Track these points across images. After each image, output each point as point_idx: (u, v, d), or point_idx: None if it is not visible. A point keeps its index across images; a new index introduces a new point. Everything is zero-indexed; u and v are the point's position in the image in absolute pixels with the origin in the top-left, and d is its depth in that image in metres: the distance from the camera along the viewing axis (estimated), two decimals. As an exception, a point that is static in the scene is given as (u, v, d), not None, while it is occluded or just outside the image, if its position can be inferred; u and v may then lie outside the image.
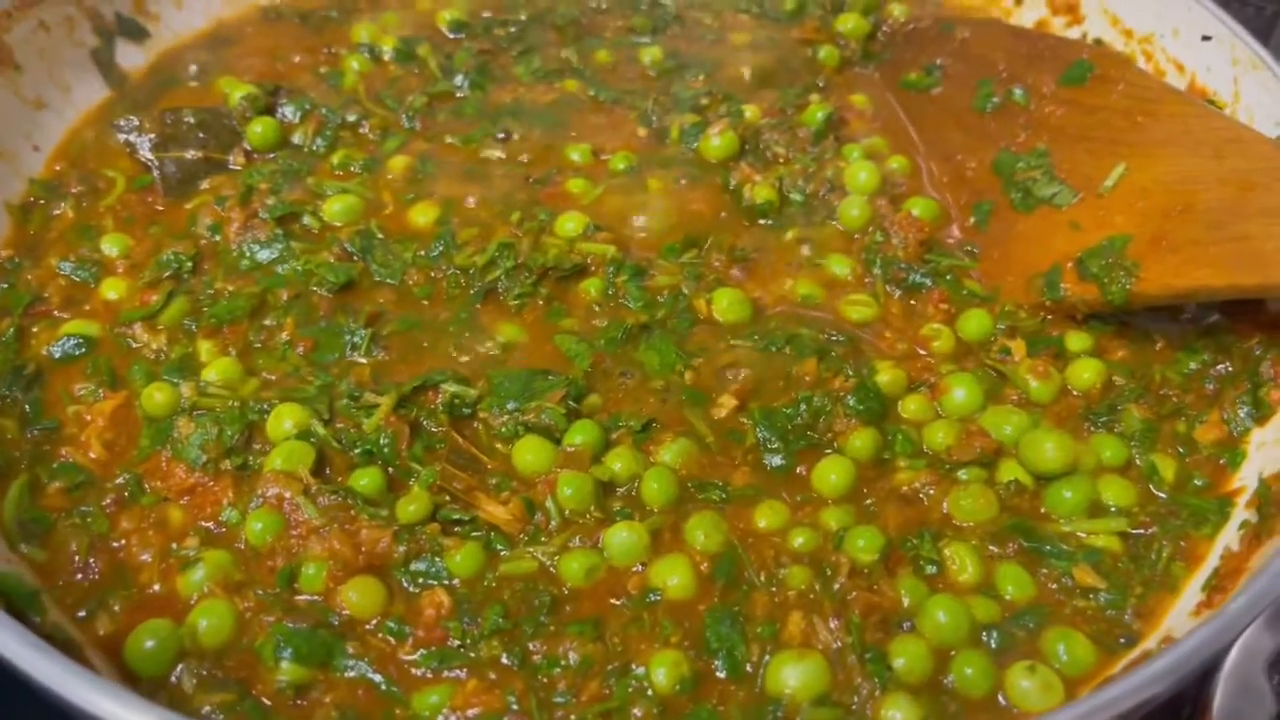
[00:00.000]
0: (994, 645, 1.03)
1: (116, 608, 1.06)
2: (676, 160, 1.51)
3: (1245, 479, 1.16)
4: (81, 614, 1.05)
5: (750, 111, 1.57)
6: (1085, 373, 1.25)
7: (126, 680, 1.00)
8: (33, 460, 1.17)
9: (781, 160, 1.51)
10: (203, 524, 1.11)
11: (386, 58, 1.69)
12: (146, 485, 1.14)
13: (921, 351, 1.29)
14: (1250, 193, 1.21)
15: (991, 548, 1.11)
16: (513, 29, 1.75)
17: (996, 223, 1.43)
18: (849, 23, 1.74)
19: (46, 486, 1.15)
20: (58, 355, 1.27)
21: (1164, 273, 1.23)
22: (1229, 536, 1.10)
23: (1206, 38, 1.44)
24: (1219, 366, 1.27)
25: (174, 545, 1.10)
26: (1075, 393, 1.25)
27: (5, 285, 1.34)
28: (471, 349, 1.27)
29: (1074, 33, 1.65)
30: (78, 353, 1.27)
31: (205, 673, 1.01)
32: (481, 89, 1.64)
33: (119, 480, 1.15)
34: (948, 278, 1.36)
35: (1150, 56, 1.54)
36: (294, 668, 1.00)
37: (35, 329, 1.30)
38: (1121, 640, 1.04)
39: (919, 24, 1.74)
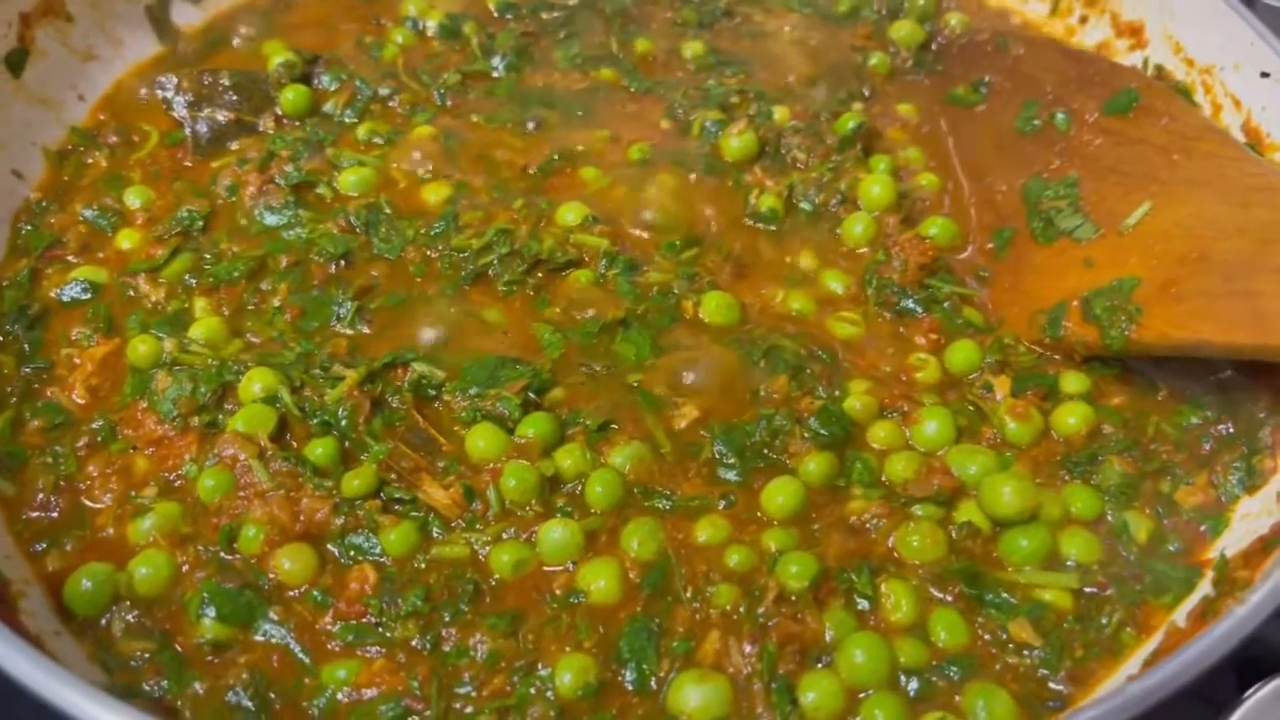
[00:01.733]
0: (912, 692, 1.00)
1: (68, 547, 1.10)
2: (692, 157, 1.49)
3: (1223, 549, 1.09)
4: (37, 548, 1.10)
5: (780, 113, 1.54)
6: (1071, 417, 1.20)
7: (61, 617, 1.05)
8: (22, 397, 1.23)
9: (800, 166, 1.47)
10: (164, 476, 1.15)
11: (430, 33, 1.70)
12: (119, 433, 1.19)
13: (904, 378, 1.24)
14: (1269, 246, 1.13)
15: (932, 590, 1.07)
16: (559, 14, 1.74)
17: (1014, 251, 1.38)
18: (902, 30, 1.68)
19: (28, 423, 1.20)
20: (64, 299, 1.33)
21: (1166, 322, 1.16)
22: (1188, 609, 1.04)
23: (1265, 74, 1.35)
24: (1220, 426, 1.20)
25: (133, 493, 1.14)
26: (1057, 437, 1.20)
27: (29, 227, 1.40)
28: (449, 330, 1.28)
29: (1136, 57, 1.56)
30: (83, 297, 1.33)
31: (134, 620, 1.04)
32: (517, 71, 1.64)
33: (95, 425, 1.19)
34: (945, 305, 1.31)
35: (1210, 89, 1.45)
36: (216, 625, 1.03)
37: (49, 271, 1.35)
38: (1050, 704, 0.99)
39: (975, 37, 1.67)
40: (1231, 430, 1.19)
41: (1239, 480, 1.14)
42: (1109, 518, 1.13)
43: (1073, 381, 1.24)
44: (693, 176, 1.46)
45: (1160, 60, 1.53)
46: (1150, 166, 1.32)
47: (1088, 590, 1.07)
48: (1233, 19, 1.40)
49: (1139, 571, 1.09)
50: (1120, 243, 1.27)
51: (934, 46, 1.70)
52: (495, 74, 1.64)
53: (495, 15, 1.74)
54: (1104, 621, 1.05)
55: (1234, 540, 1.09)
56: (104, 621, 1.04)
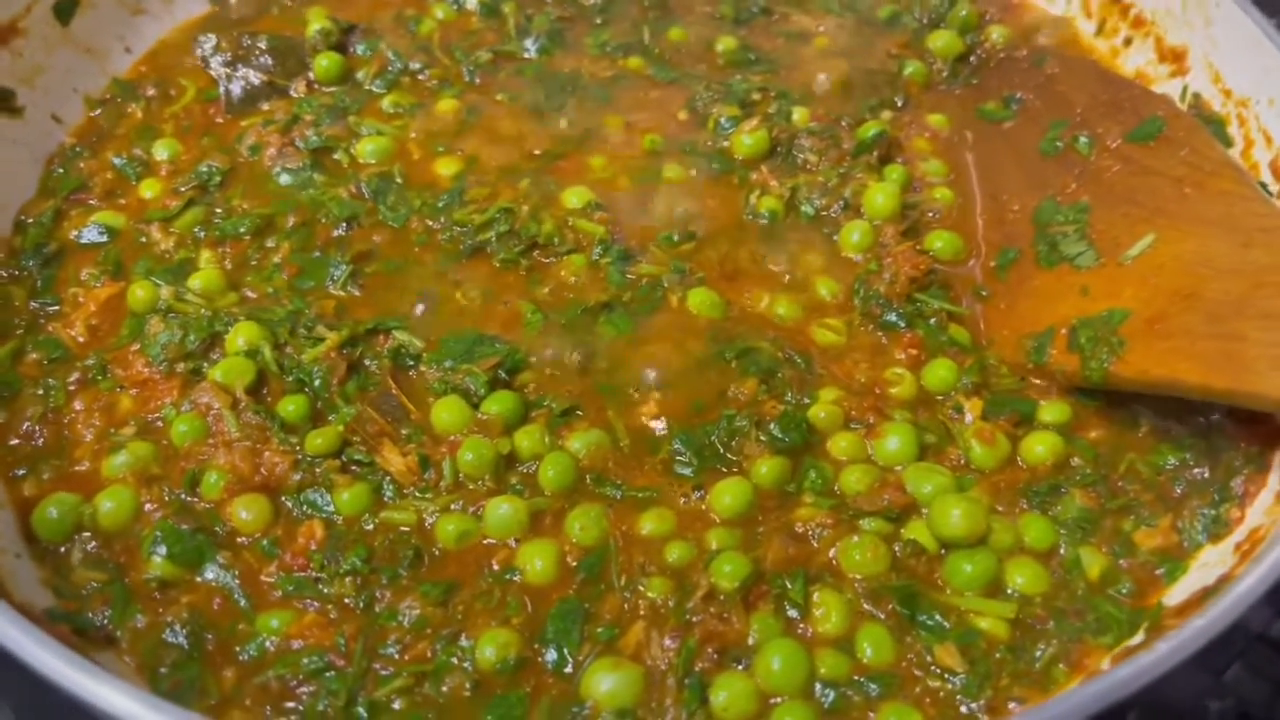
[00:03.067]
0: (826, 704, 0.99)
1: (46, 475, 1.16)
2: (702, 151, 1.49)
3: (1177, 597, 1.06)
4: (17, 473, 1.16)
5: (799, 114, 1.53)
6: (1039, 445, 1.17)
7: (27, 540, 1.10)
8: (28, 329, 1.29)
9: (810, 169, 1.46)
10: (144, 417, 1.20)
11: (471, 9, 1.73)
12: (110, 372, 1.24)
13: (878, 391, 1.23)
14: (1259, 291, 1.10)
15: (866, 605, 1.06)
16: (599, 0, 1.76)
17: (1015, 272, 1.35)
18: (941, 40, 1.65)
19: (27, 355, 1.26)
20: (82, 240, 1.39)
21: (1146, 358, 1.13)
22: (1117, 652, 1.01)
23: (1299, 111, 1.30)
24: (1197, 470, 1.16)
25: (113, 430, 1.19)
26: (1024, 465, 1.17)
27: (60, 170, 1.47)
28: (437, 300, 1.31)
29: (1176, 84, 1.51)
30: (99, 240, 1.39)
31: (92, 550, 1.10)
32: (548, 54, 1.66)
33: (89, 362, 1.25)
34: (931, 321, 1.29)
35: (1244, 121, 1.40)
36: (165, 564, 1.07)
37: (73, 213, 1.42)
38: (963, 732, 0.98)
39: (1014, 53, 1.64)
40: (1206, 475, 1.15)
41: (1204, 528, 1.11)
42: (1062, 551, 1.10)
43: (1052, 410, 1.21)
44: (698, 171, 1.46)
45: (1199, 89, 1.48)
46: (1161, 199, 1.28)
47: (1028, 621, 1.05)
48: (1272, 53, 1.35)
49: (1083, 609, 1.06)
50: (1118, 273, 1.24)
51: (972, 60, 1.66)
52: (527, 55, 1.66)
53: (537, -4, 1.76)
54: (1037, 654, 1.03)
55: (1186, 588, 1.06)
56: (64, 549, 1.10)
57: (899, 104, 1.60)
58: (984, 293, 1.35)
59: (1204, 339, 1.10)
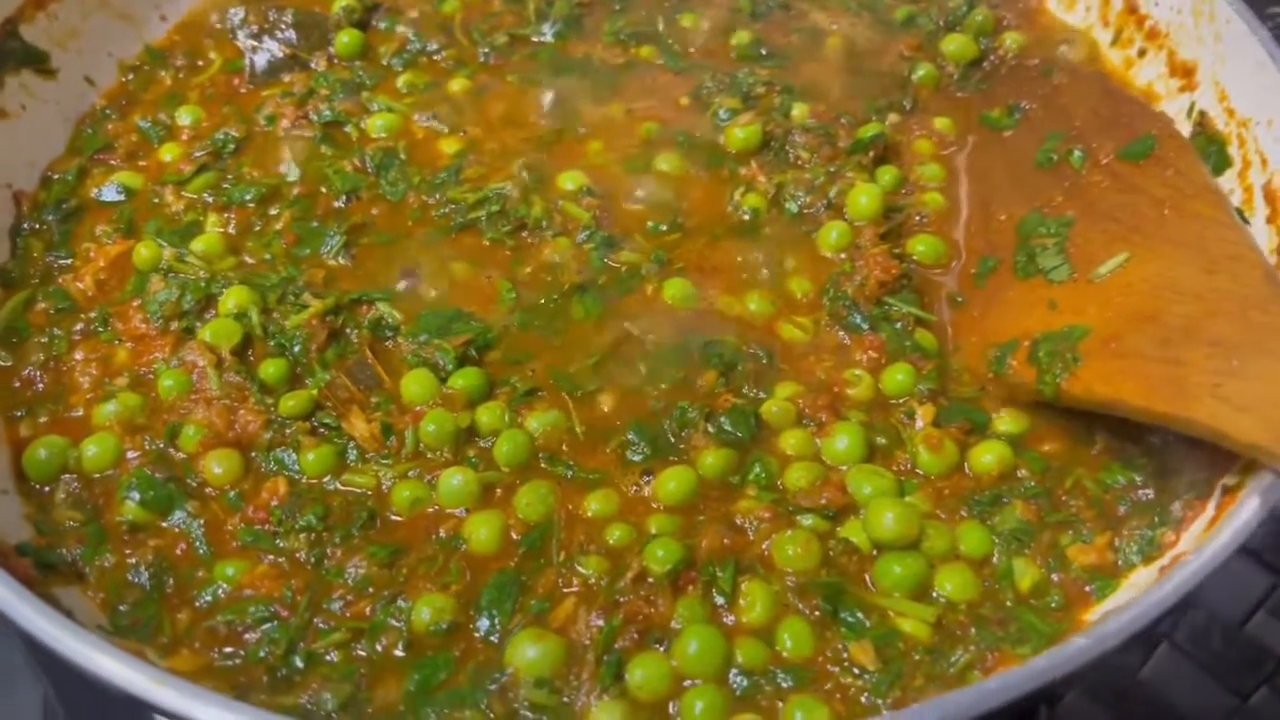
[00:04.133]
0: (738, 690, 1.03)
1: (42, 419, 1.24)
2: (699, 143, 1.52)
3: (1105, 614, 1.07)
4: (16, 414, 1.24)
5: (799, 110, 1.54)
6: (987, 455, 1.18)
7: (16, 478, 1.19)
8: (41, 280, 1.38)
9: (801, 165, 1.48)
10: (137, 370, 1.27)
11: (498, -13, 1.77)
12: (111, 325, 1.32)
13: (835, 390, 1.25)
14: (1211, 319, 1.10)
15: (792, 598, 1.09)
16: (623, -13, 1.78)
17: (994, 280, 1.36)
18: (955, 44, 1.65)
19: (37, 304, 1.35)
20: (102, 199, 1.47)
21: (1096, 376, 1.14)
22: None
23: (1292, 136, 1.28)
24: (1143, 491, 1.17)
25: (107, 380, 1.27)
26: (970, 473, 1.19)
27: (89, 130, 1.55)
28: (421, 272, 1.36)
29: (1184, 99, 1.49)
30: (117, 199, 1.46)
31: (75, 491, 1.17)
32: (564, 39, 1.69)
33: (92, 314, 1.33)
34: (897, 326, 1.30)
35: (1244, 142, 1.38)
36: (137, 509, 1.15)
37: (95, 171, 1.50)
38: (865, 727, 1.01)
39: (1025, 60, 1.63)
40: (1151, 497, 1.16)
41: (1139, 549, 1.11)
42: (995, 560, 1.12)
43: (1009, 421, 1.23)
44: (691, 162, 1.48)
45: (1205, 106, 1.46)
46: (1140, 218, 1.28)
47: (949, 626, 1.07)
48: (1274, 74, 1.33)
49: (1007, 619, 1.08)
50: (1087, 290, 1.24)
51: (985, 65, 1.66)
52: (543, 39, 1.70)
53: (559, -20, 1.79)
54: (954, 659, 1.05)
55: (1110, 606, 1.07)
56: (48, 489, 1.18)
57: (907, 106, 1.60)
58: (960, 299, 1.36)
59: (1153, 362, 1.10)
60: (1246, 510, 0.99)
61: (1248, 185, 1.36)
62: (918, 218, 1.45)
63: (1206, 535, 1.03)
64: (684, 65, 1.64)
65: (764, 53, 1.67)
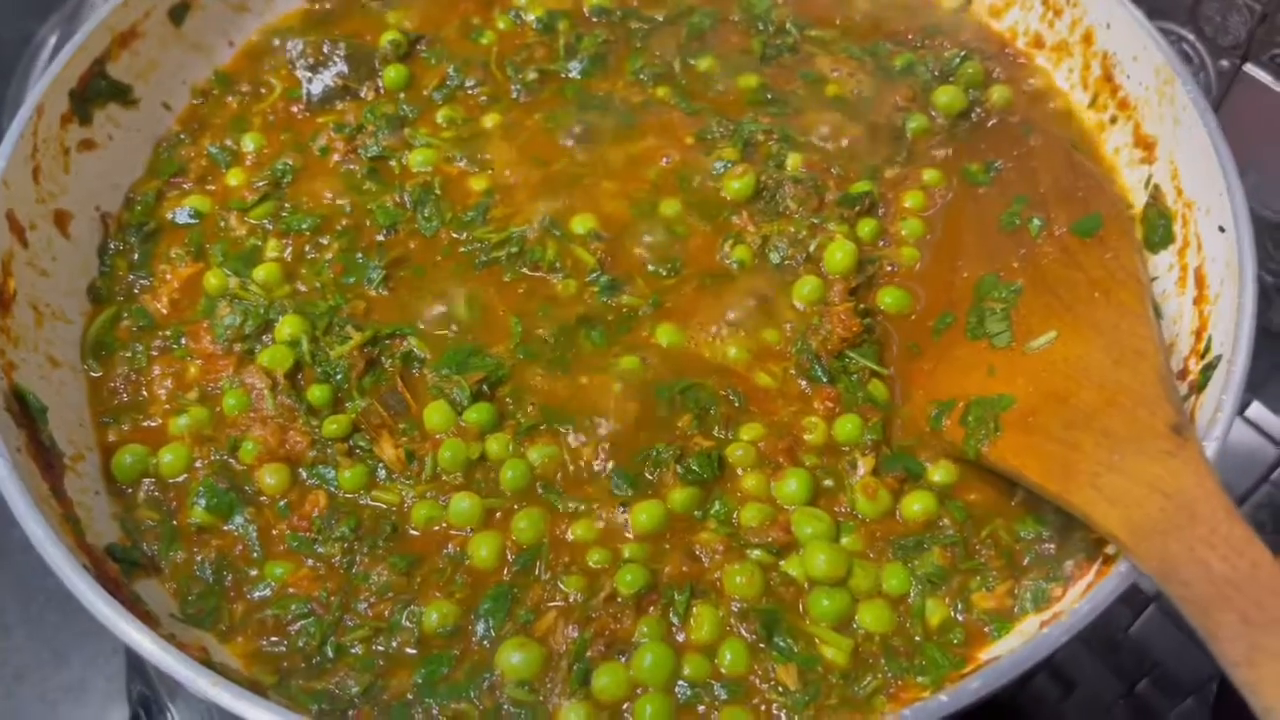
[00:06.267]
0: (682, 699, 1.25)
1: (125, 426, 1.48)
2: (701, 189, 1.68)
3: (997, 653, 1.28)
4: (104, 421, 1.49)
5: (792, 160, 1.70)
6: (917, 504, 1.37)
7: (106, 479, 1.43)
8: (126, 298, 1.61)
9: (789, 215, 1.64)
10: (205, 385, 1.51)
11: (529, 21, 1.93)
12: (184, 342, 1.55)
13: (794, 435, 1.44)
14: (1108, 410, 1.26)
15: (735, 621, 1.31)
16: (646, 25, 1.93)
17: (947, 337, 1.52)
18: (946, 96, 1.78)
19: (122, 321, 1.58)
20: (177, 221, 1.69)
21: (1009, 448, 1.32)
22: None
23: (1221, 229, 1.43)
24: (1048, 544, 1.35)
25: (180, 394, 1.50)
26: (901, 519, 1.38)
27: (166, 154, 1.76)
28: (450, 307, 1.56)
29: (1143, 171, 1.63)
30: (189, 222, 1.68)
31: (154, 494, 1.42)
32: (590, 76, 1.86)
33: (168, 332, 1.56)
34: (854, 377, 1.48)
35: (1187, 222, 1.52)
36: (203, 513, 1.38)
37: (170, 194, 1.72)
38: (780, 738, 1.24)
39: (1008, 117, 1.77)
40: (1053, 551, 1.34)
41: (1032, 599, 1.30)
42: (911, 599, 1.33)
43: (943, 471, 1.41)
44: (691, 209, 1.65)
45: (1160, 180, 1.59)
46: (1076, 297, 1.43)
47: (863, 655, 1.28)
48: (1214, 164, 1.46)
49: (913, 651, 1.29)
50: (1021, 361, 1.41)
51: (973, 116, 1.79)
52: (571, 74, 1.87)
53: (588, 16, 1.95)
54: (864, 684, 1.26)
55: (1004, 646, 1.27)
56: (131, 491, 1.42)
57: (902, 159, 1.73)
58: (915, 349, 1.53)
59: (1054, 442, 1.28)
60: (1108, 587, 1.17)
61: (1185, 264, 1.51)
62: (889, 267, 1.61)
63: (1082, 598, 1.22)
64: (696, 108, 1.80)
65: (769, 97, 1.82)
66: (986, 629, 1.31)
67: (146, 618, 1.21)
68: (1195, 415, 1.30)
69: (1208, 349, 1.38)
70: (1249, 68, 1.99)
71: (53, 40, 2.64)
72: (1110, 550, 1.27)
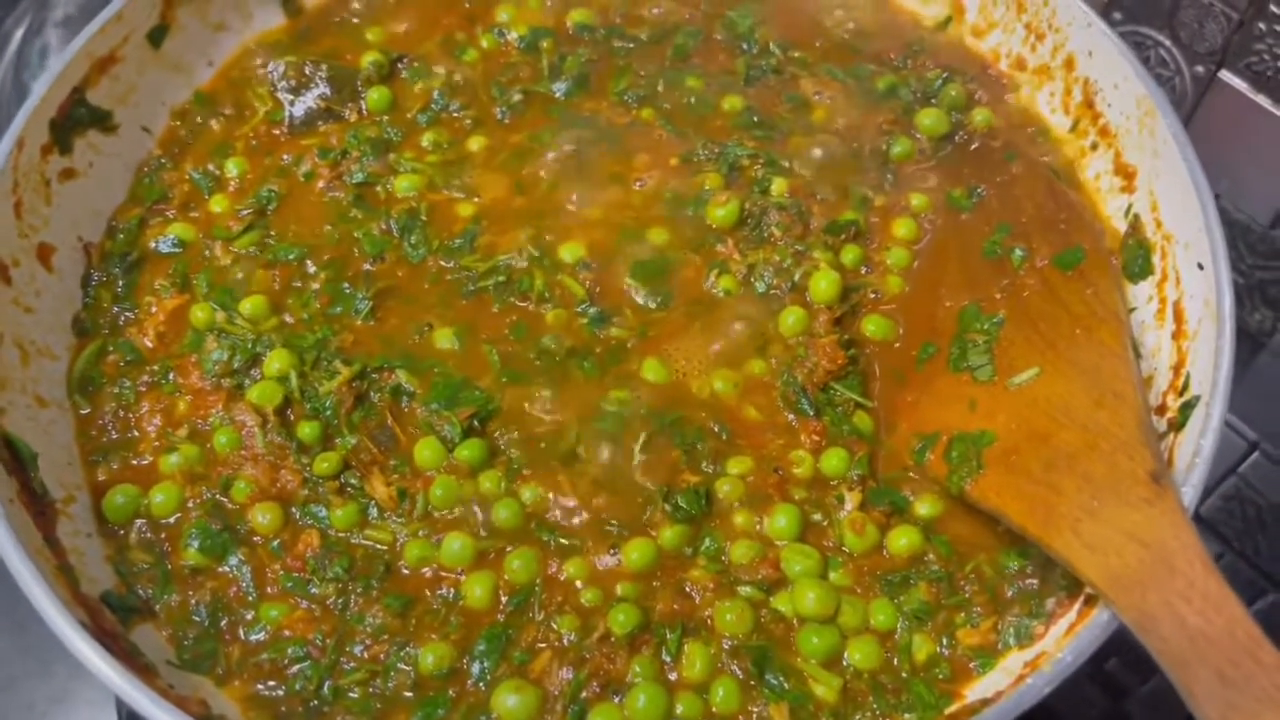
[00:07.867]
0: (676, 738, 1.28)
1: (115, 465, 1.48)
2: (687, 217, 1.68)
3: (982, 691, 1.31)
4: (94, 459, 1.49)
5: (777, 186, 1.71)
6: (903, 539, 1.40)
7: (98, 520, 1.43)
8: (111, 331, 1.60)
9: (775, 243, 1.65)
10: (196, 422, 1.51)
11: (513, 43, 1.92)
12: (172, 377, 1.54)
13: (782, 470, 1.46)
14: (1088, 453, 1.29)
15: (726, 659, 1.33)
16: (631, 44, 1.92)
17: (930, 367, 1.54)
18: (929, 119, 1.79)
19: (109, 355, 1.57)
20: (161, 250, 1.67)
21: (991, 486, 1.35)
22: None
23: (1200, 266, 1.45)
24: (1031, 580, 1.39)
25: (169, 430, 1.50)
26: (887, 554, 1.41)
27: (148, 179, 1.75)
28: (437, 336, 1.57)
29: (1123, 200, 1.65)
30: (173, 251, 1.67)
31: (146, 535, 1.42)
32: (574, 97, 1.86)
33: (155, 367, 1.55)
34: (839, 409, 1.51)
35: (1166, 255, 1.55)
36: (196, 554, 1.39)
37: (154, 221, 1.70)
38: (772, 777, 1.27)
39: (990, 142, 1.78)
40: (1036, 586, 1.38)
41: (1015, 635, 1.34)
42: (899, 635, 1.36)
43: (927, 505, 1.44)
44: (677, 238, 1.66)
45: (1140, 211, 1.62)
46: (1058, 333, 1.46)
47: (852, 691, 1.31)
48: (1194, 199, 1.48)
49: (900, 687, 1.32)
50: (1002, 397, 1.44)
51: (956, 139, 1.81)
52: (557, 95, 1.86)
53: (571, 34, 1.94)
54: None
55: (989, 684, 1.31)
56: (123, 532, 1.43)
57: (887, 183, 1.74)
58: (900, 377, 1.55)
59: (1035, 483, 1.31)
60: (1089, 635, 1.21)
61: (1164, 296, 1.53)
62: (873, 295, 1.63)
63: (1066, 639, 1.26)
64: (680, 131, 1.80)
65: (755, 120, 1.82)
66: (971, 664, 1.34)
67: (145, 671, 1.22)
68: (1174, 456, 1.33)
69: (1186, 386, 1.41)
70: (1224, 74, 2.01)
71: (19, 32, 2.61)
72: (1090, 590, 1.30)
